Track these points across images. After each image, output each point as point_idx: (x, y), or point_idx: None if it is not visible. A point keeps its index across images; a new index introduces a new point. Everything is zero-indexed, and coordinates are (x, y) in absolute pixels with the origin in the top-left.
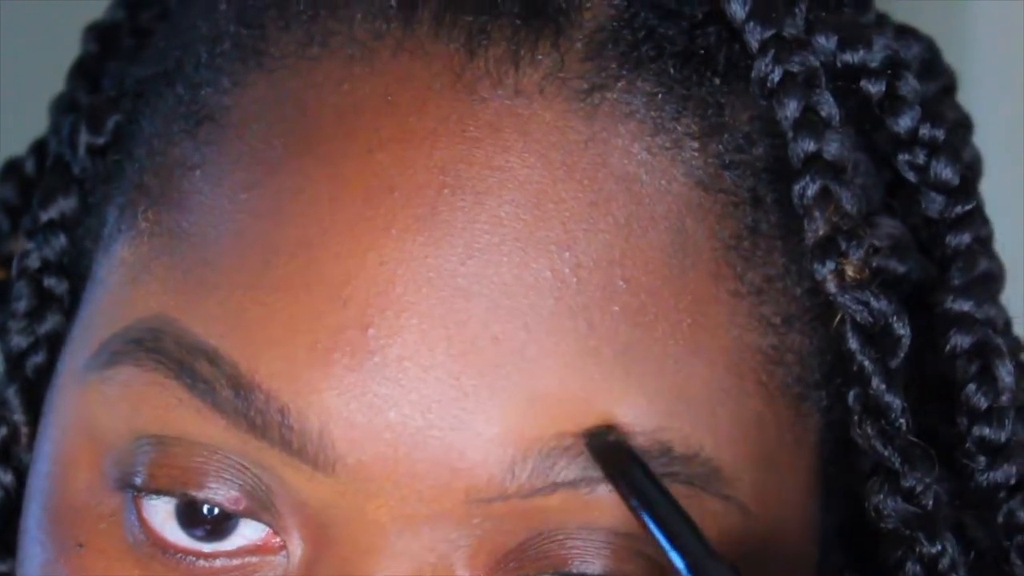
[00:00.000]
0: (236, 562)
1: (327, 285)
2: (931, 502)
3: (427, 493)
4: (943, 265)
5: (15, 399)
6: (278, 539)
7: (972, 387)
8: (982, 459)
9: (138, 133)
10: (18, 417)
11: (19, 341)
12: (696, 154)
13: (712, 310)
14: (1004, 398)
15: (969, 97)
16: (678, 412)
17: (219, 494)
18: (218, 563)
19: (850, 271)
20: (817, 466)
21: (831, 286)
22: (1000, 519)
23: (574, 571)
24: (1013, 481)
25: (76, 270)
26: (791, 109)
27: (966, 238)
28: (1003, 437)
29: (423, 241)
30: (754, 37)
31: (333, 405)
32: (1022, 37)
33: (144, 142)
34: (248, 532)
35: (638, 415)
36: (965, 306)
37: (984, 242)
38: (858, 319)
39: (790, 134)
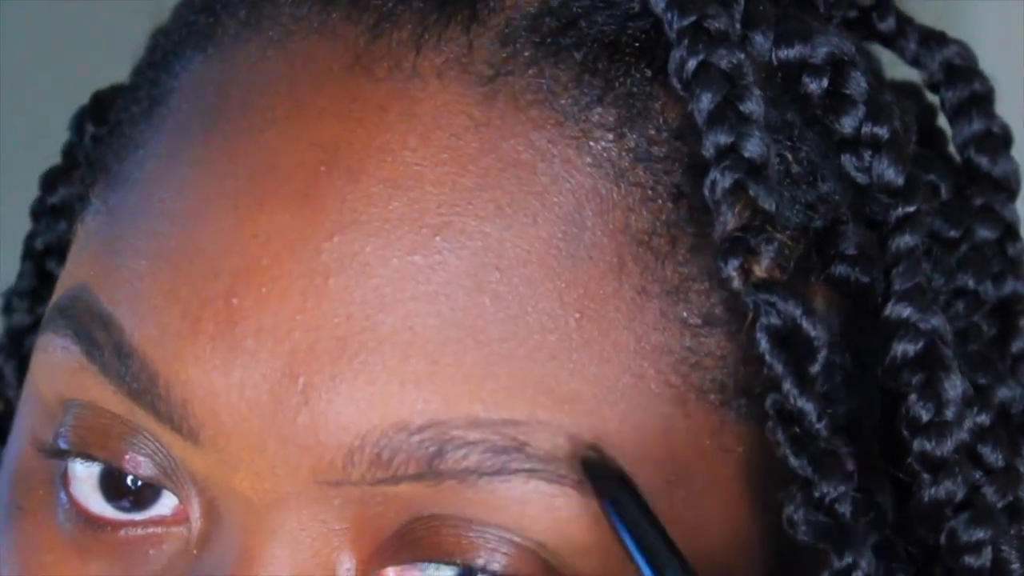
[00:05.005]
0: (140, 532)
1: (205, 256)
2: (848, 512)
3: (279, 470)
4: (886, 270)
5: (13, 375)
6: (185, 511)
7: (914, 398)
8: (925, 476)
9: (119, 119)
10: (13, 393)
11: (20, 319)
12: (609, 145)
13: (610, 306)
14: (948, 412)
15: None
16: (546, 408)
17: (125, 460)
18: (122, 533)
19: (757, 270)
20: (751, 477)
21: (735, 284)
22: (943, 540)
23: (475, 564)
24: (959, 499)
25: None
26: (705, 101)
27: (909, 241)
28: (944, 452)
29: (292, 216)
30: (671, 26)
31: (195, 374)
32: (1022, 37)
33: (118, 126)
34: (169, 502)
35: (489, 408)
36: (905, 313)
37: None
38: (764, 321)
39: (703, 126)
